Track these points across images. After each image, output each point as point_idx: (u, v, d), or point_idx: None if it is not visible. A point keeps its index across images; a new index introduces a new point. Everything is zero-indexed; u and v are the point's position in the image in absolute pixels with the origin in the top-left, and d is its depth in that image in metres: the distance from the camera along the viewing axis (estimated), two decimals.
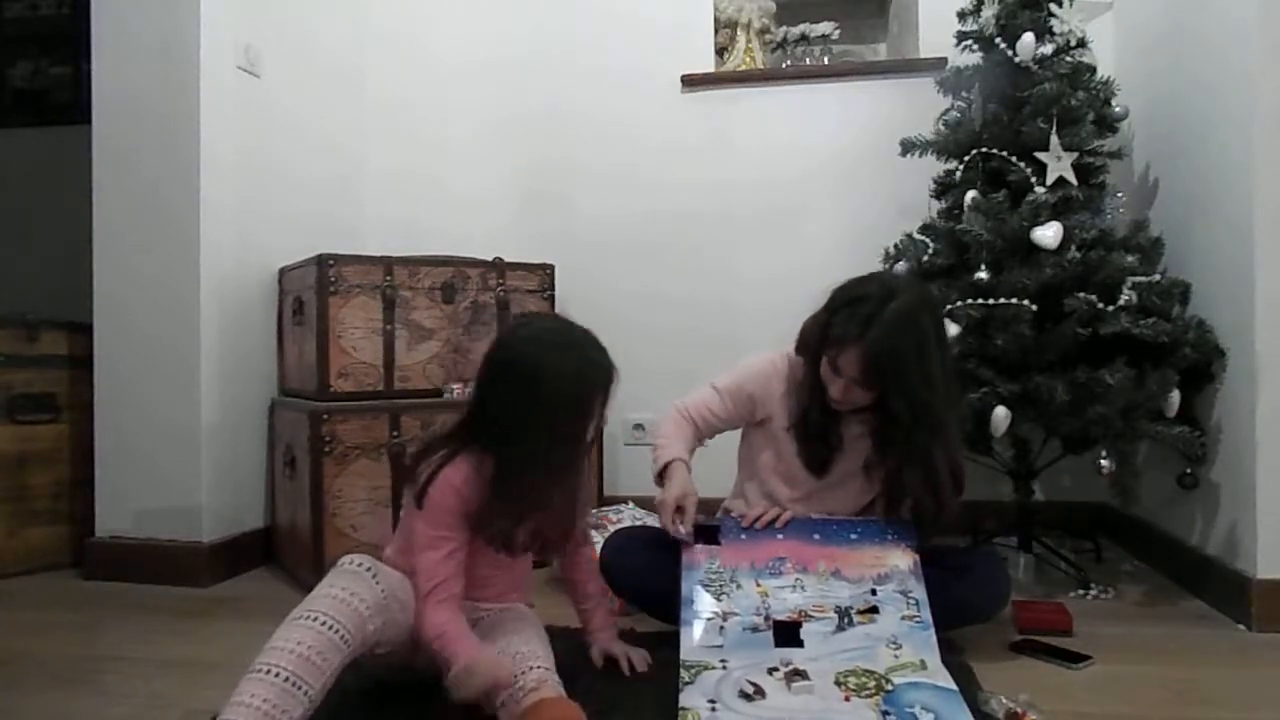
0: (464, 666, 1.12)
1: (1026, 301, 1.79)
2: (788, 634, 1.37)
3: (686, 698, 1.24)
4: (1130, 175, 2.25)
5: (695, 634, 1.39)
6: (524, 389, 1.24)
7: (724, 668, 1.31)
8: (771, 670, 1.30)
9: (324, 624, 1.09)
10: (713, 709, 1.21)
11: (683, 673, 1.30)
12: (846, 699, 1.23)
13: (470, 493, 1.26)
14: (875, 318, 1.38)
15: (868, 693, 1.24)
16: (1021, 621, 1.63)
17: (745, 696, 1.24)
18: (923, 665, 1.31)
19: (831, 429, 1.55)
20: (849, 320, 1.42)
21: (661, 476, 1.55)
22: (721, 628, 1.39)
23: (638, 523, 1.96)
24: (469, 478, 1.26)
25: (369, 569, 1.18)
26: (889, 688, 1.25)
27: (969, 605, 1.51)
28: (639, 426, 2.61)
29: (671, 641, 1.39)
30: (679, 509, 1.48)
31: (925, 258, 1.99)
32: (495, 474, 1.25)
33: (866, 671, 1.29)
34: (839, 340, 1.43)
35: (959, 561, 1.56)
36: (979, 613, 1.54)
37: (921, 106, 2.25)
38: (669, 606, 1.46)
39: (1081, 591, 1.87)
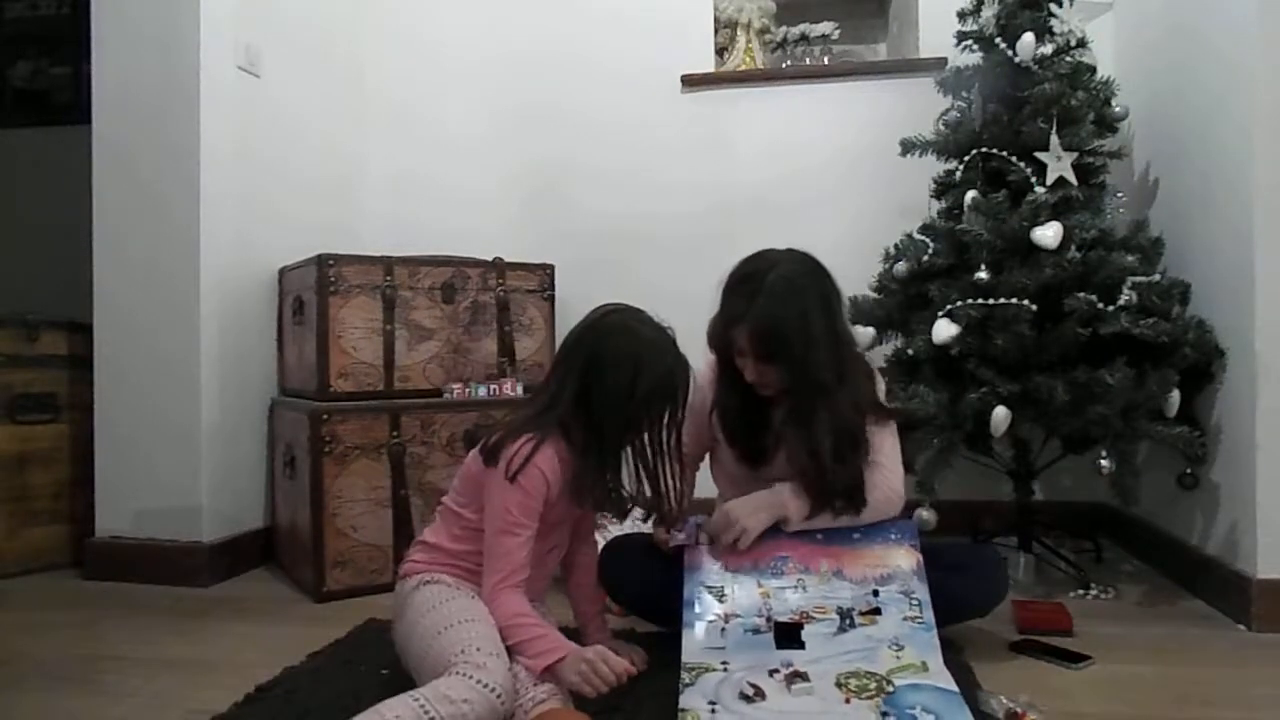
0: (565, 662, 1.19)
1: (1026, 301, 1.79)
2: (789, 636, 1.37)
3: (686, 699, 1.24)
4: (1130, 175, 2.25)
5: (697, 636, 1.39)
6: (624, 383, 1.28)
7: (725, 669, 1.31)
8: (772, 672, 1.30)
9: None
10: (712, 711, 1.21)
11: (683, 674, 1.30)
12: (847, 700, 1.23)
13: (554, 481, 1.30)
14: (759, 290, 1.41)
15: (868, 694, 1.24)
16: (1021, 621, 1.63)
17: (745, 698, 1.24)
18: (924, 667, 1.31)
19: (756, 419, 1.54)
20: (739, 298, 1.45)
21: None
22: (723, 629, 1.39)
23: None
24: (555, 467, 1.30)
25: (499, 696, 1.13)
26: (890, 689, 1.25)
27: (964, 600, 1.50)
28: None
29: (670, 642, 1.40)
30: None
31: (925, 258, 1.99)
32: (580, 460, 1.30)
33: (868, 673, 1.29)
34: (733, 320, 1.45)
35: (955, 559, 1.55)
36: (975, 607, 1.54)
37: (921, 106, 2.25)
38: (667, 612, 1.46)
39: (1081, 591, 1.87)
